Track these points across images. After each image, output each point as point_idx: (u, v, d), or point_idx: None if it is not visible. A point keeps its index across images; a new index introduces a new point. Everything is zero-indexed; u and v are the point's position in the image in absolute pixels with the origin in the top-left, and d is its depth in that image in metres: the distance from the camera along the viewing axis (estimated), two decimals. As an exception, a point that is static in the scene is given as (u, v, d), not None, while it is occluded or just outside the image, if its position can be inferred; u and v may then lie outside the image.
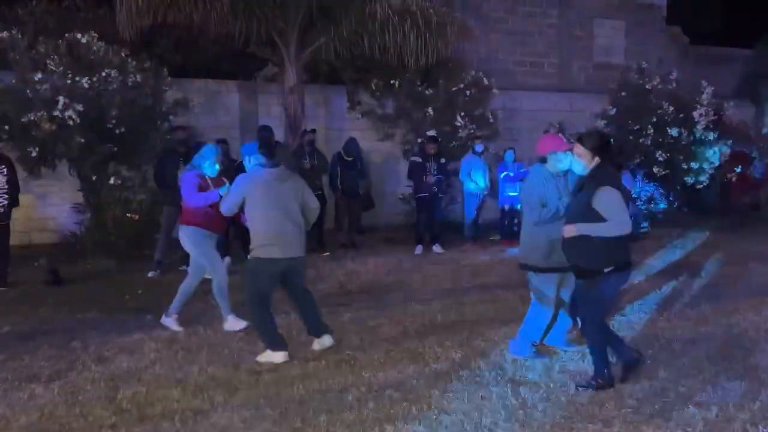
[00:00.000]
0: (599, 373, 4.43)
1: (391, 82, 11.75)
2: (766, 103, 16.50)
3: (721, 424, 3.88)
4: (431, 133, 10.61)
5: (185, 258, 6.56)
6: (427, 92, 11.69)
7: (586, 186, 4.38)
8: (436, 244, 10.12)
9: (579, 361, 4.93)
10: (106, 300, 7.10)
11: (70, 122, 8.36)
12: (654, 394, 4.31)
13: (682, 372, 4.71)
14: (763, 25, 17.15)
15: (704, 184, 12.64)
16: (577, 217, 4.39)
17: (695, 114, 12.37)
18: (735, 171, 12.74)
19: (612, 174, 4.43)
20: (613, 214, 4.27)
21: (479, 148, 10.66)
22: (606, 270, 4.35)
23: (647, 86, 12.61)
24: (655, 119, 12.31)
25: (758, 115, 16.47)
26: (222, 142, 9.38)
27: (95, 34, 8.95)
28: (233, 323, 5.91)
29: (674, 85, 12.80)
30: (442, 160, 10.22)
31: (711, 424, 3.86)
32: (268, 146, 8.54)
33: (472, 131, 11.47)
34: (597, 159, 4.36)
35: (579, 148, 4.41)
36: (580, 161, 4.42)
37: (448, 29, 10.32)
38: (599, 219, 4.29)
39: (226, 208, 5.35)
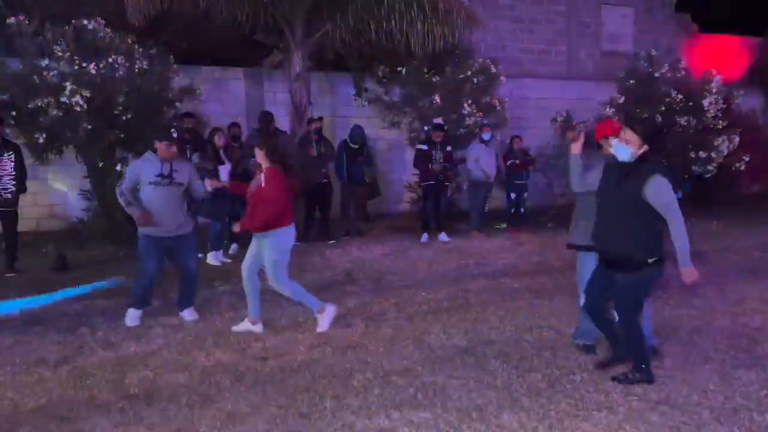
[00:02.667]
0: (638, 367, 4.29)
1: (398, 69, 11.69)
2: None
3: (727, 412, 3.87)
4: (438, 120, 10.58)
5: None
6: (433, 80, 11.62)
7: (633, 175, 4.11)
8: (442, 233, 10.11)
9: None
10: (113, 286, 7.13)
11: (77, 108, 8.35)
12: (660, 382, 4.30)
13: (688, 360, 4.71)
14: (773, 13, 17.01)
15: (712, 173, 12.54)
16: (622, 210, 4.15)
17: (704, 102, 12.27)
18: (743, 160, 12.62)
19: (661, 164, 4.17)
20: (672, 202, 4.05)
21: (486, 136, 10.62)
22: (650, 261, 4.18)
23: (656, 74, 12.50)
24: (663, 108, 12.21)
25: (768, 103, 16.35)
26: (234, 125, 9.44)
27: (102, 20, 8.93)
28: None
29: (683, 73, 12.69)
30: (448, 148, 10.19)
31: (717, 413, 3.86)
32: (266, 132, 8.54)
33: (479, 119, 11.42)
34: (646, 147, 4.14)
35: (629, 134, 4.16)
36: (628, 147, 4.16)
37: (455, 16, 10.23)
38: (648, 211, 4.09)
39: None
